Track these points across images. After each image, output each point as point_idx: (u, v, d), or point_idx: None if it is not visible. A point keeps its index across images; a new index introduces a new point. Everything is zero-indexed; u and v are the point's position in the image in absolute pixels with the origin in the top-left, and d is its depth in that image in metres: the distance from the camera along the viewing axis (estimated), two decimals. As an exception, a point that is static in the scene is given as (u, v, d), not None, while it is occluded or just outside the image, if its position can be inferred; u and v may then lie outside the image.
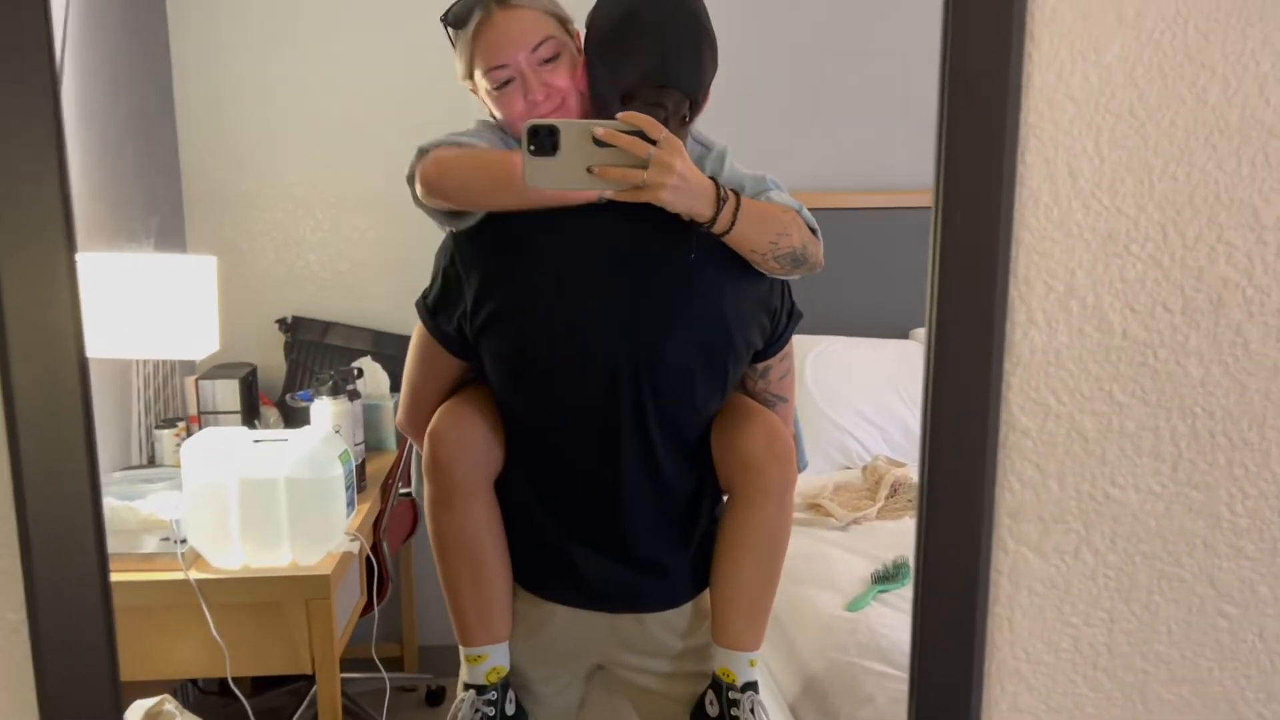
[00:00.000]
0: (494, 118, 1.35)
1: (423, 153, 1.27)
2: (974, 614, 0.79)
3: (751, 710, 1.33)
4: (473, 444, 1.33)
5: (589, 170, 1.14)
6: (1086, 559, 0.79)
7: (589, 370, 1.29)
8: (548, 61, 1.29)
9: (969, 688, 0.79)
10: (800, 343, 2.43)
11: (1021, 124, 0.72)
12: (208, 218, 2.57)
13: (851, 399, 2.51)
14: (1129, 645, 0.80)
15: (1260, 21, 0.69)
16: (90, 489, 0.71)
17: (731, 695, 1.33)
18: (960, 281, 0.73)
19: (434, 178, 1.25)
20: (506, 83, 1.29)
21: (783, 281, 1.34)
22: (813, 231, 1.31)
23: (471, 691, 1.35)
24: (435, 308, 1.33)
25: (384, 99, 2.57)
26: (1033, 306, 0.75)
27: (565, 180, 1.15)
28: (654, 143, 1.13)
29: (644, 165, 1.13)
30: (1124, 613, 0.79)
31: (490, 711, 1.35)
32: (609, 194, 1.19)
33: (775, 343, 1.37)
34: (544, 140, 1.12)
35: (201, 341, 2.10)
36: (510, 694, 1.38)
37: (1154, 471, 0.77)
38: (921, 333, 2.76)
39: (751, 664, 1.34)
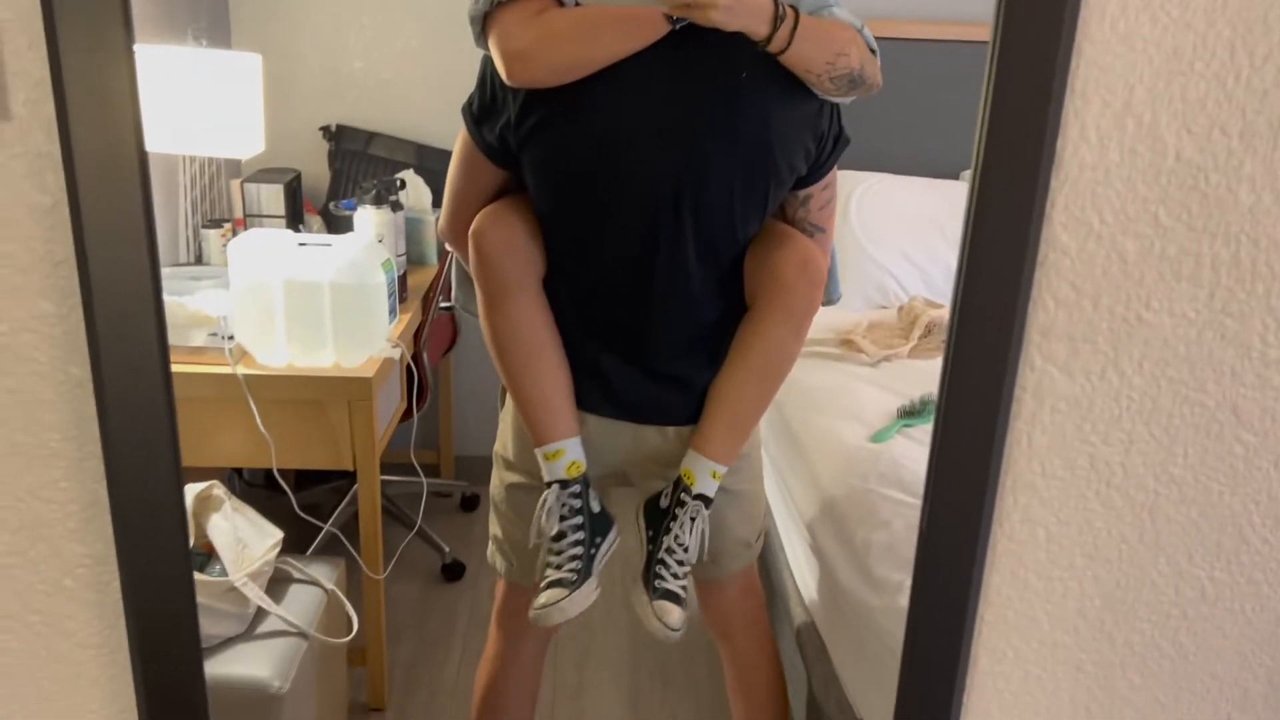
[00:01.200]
0: None
1: (486, 2, 1.25)
2: (994, 427, 0.81)
3: (691, 519, 1.37)
4: (516, 242, 1.35)
5: None
6: (1112, 380, 0.80)
7: (630, 182, 1.30)
8: None
9: (983, 497, 0.82)
10: (847, 178, 2.40)
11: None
12: (254, 15, 2.53)
13: (894, 237, 2.49)
14: (1144, 466, 0.82)
15: None
16: (151, 273, 0.74)
17: (682, 497, 1.38)
18: (1015, 92, 0.72)
19: (520, 72, 1.23)
20: None
21: (833, 104, 1.31)
22: (872, 51, 1.28)
23: (555, 486, 1.40)
24: (480, 116, 1.33)
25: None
26: (1086, 122, 0.74)
27: None
28: None
29: None
30: (1143, 434, 0.81)
31: (577, 504, 1.40)
32: (668, 9, 1.17)
33: (819, 168, 1.36)
34: None
35: (247, 141, 2.10)
36: (593, 492, 1.43)
37: (1190, 297, 0.77)
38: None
39: (714, 476, 1.37)
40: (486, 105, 1.32)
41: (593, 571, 1.41)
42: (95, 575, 0.82)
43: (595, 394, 1.42)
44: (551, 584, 1.38)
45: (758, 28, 1.18)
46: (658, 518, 1.42)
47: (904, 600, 0.87)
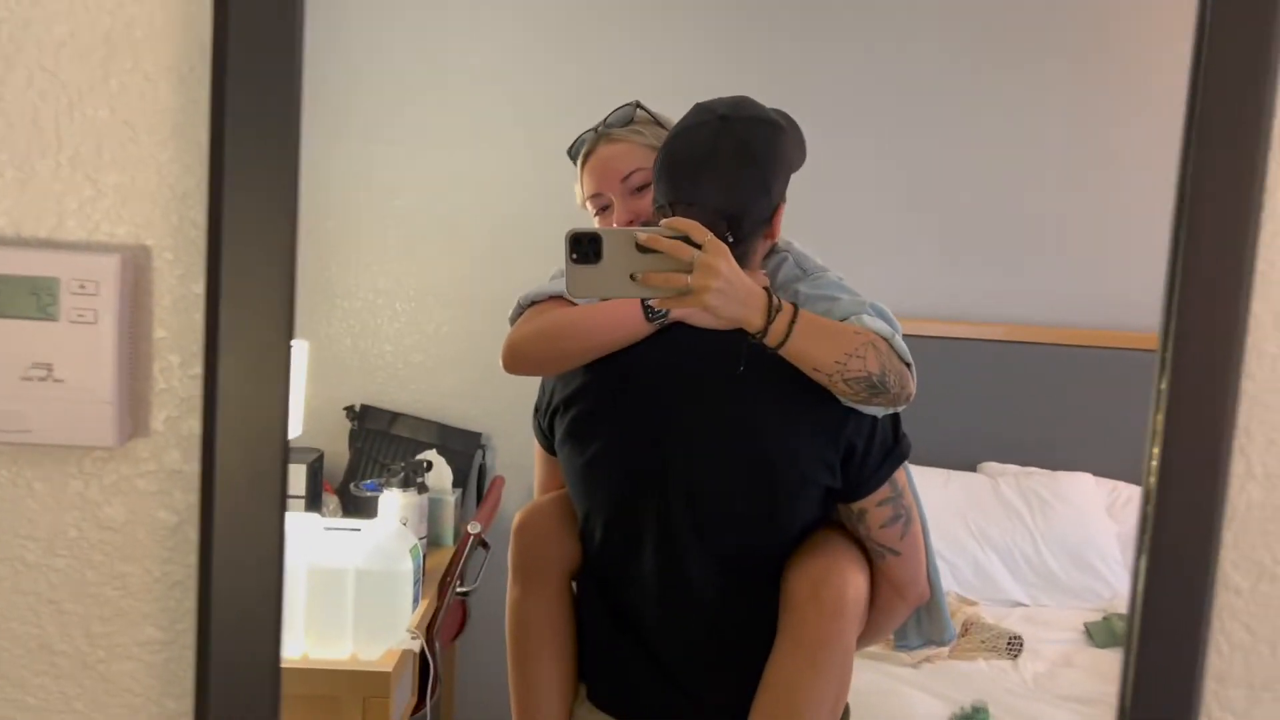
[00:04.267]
0: None
1: (517, 307, 1.34)
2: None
3: None
4: (549, 535, 1.34)
5: (632, 277, 1.12)
6: (1297, 733, 0.74)
7: (634, 480, 1.29)
8: (639, 190, 1.37)
9: None
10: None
11: (1254, 274, 0.70)
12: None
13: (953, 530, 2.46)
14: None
15: None
16: (276, 597, 0.69)
17: None
18: (1184, 429, 0.71)
19: (509, 362, 1.31)
20: (604, 209, 1.39)
21: (869, 416, 1.25)
22: (906, 364, 1.23)
23: None
24: (536, 406, 1.39)
25: (472, 195, 2.61)
26: (1252, 459, 0.73)
27: (608, 288, 1.14)
28: (699, 247, 1.11)
29: (688, 271, 1.11)
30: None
31: None
32: (653, 302, 1.19)
33: (860, 483, 1.27)
34: (586, 248, 1.11)
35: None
36: None
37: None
38: (990, 465, 2.71)
39: None
40: (538, 400, 1.39)
41: None
42: None
43: (620, 697, 1.34)
44: None
45: (751, 317, 1.14)
46: None
47: None
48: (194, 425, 0.68)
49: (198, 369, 0.68)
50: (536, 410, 1.39)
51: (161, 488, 0.69)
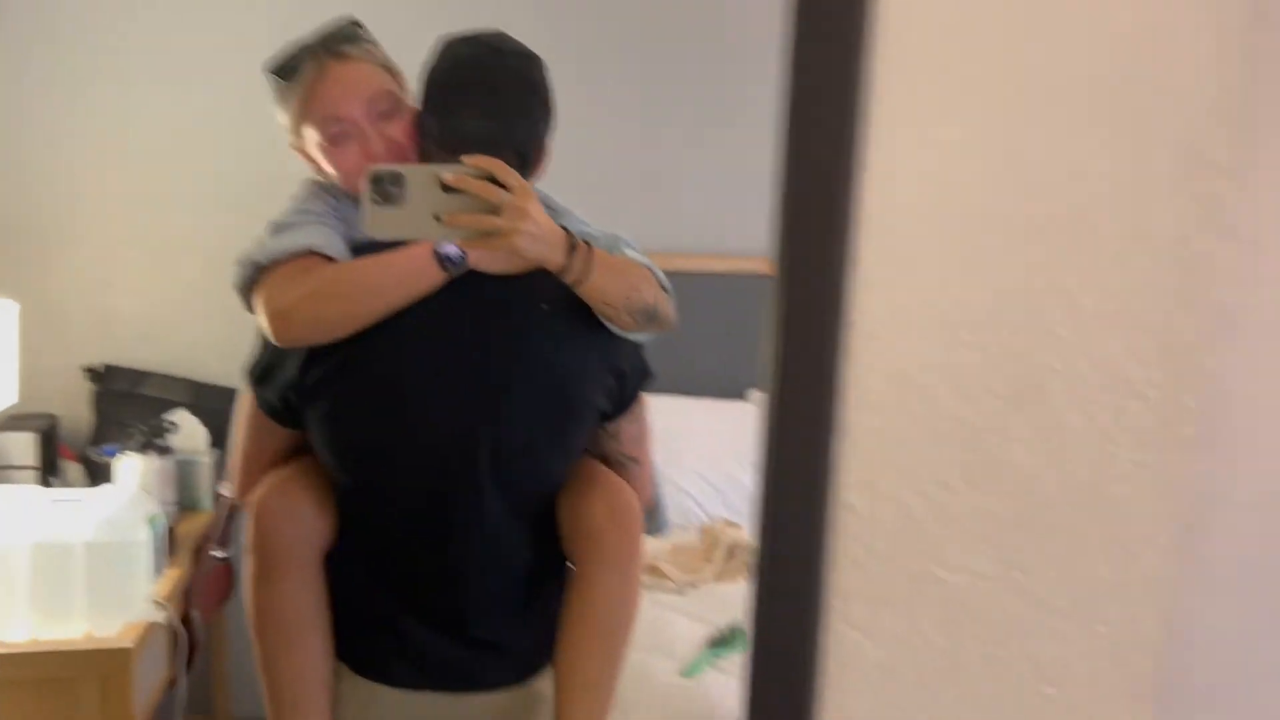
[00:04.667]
0: (321, 177, 1.31)
1: (250, 269, 1.21)
2: (808, 696, 0.77)
3: None
4: (298, 515, 1.26)
5: (436, 218, 1.09)
6: (915, 641, 0.79)
7: (420, 433, 1.25)
8: (385, 116, 1.26)
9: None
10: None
11: (858, 206, 0.72)
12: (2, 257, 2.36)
13: (690, 460, 2.51)
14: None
15: (1091, 127, 0.72)
16: None
17: None
18: (795, 362, 0.73)
19: (283, 332, 1.18)
20: (342, 137, 1.25)
21: (631, 341, 1.32)
22: (664, 290, 1.30)
23: None
24: (261, 377, 1.26)
25: (212, 137, 2.45)
26: (867, 388, 0.75)
27: (411, 229, 1.11)
28: (505, 188, 1.10)
29: (495, 211, 1.09)
30: (950, 695, 0.79)
31: None
32: (455, 244, 1.15)
33: (625, 403, 1.35)
34: (387, 187, 1.07)
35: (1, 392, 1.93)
36: None
37: (980, 554, 0.78)
38: (757, 395, 2.80)
39: None
40: (267, 365, 1.25)
41: None
42: None
43: (395, 663, 1.30)
44: None
45: (556, 257, 1.16)
46: None
47: None
48: None
49: None
50: (262, 376, 1.27)
51: None
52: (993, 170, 0.72)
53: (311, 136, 1.27)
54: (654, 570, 2.22)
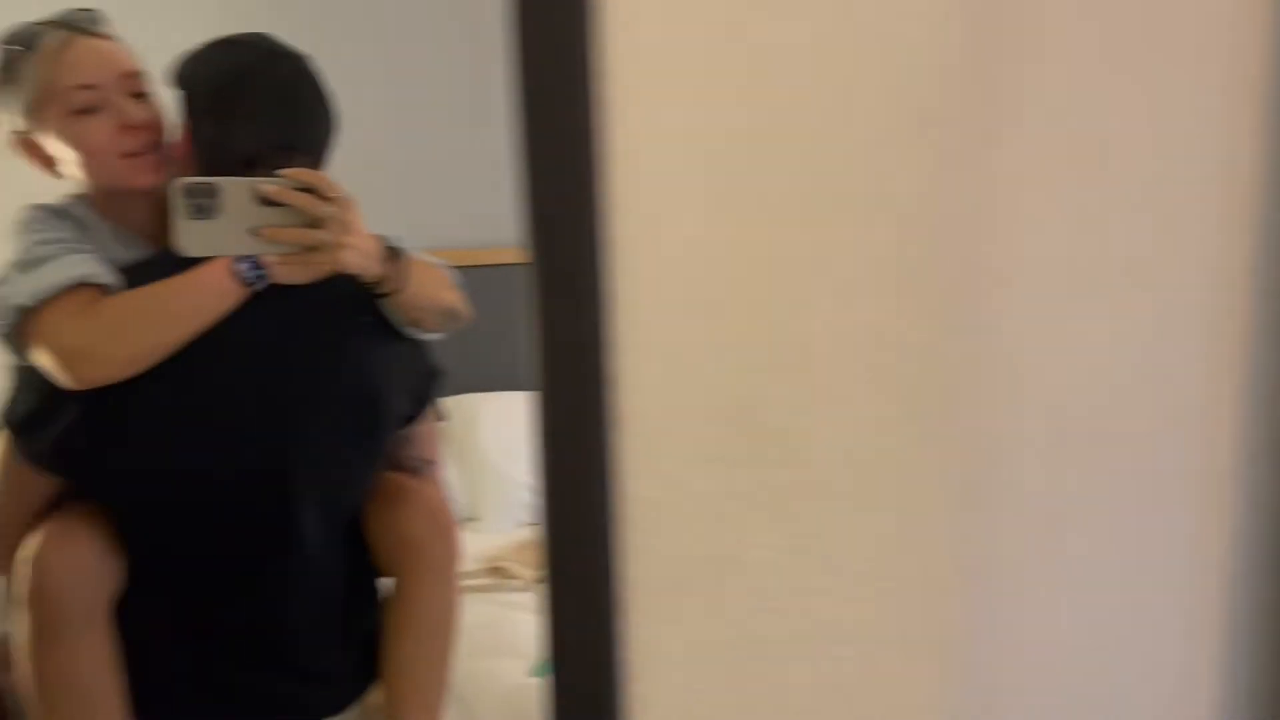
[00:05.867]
0: (51, 176, 1.21)
1: (14, 314, 1.09)
2: (612, 693, 0.76)
3: None
4: (86, 567, 1.15)
5: (253, 233, 1.05)
6: (715, 622, 0.78)
7: (230, 458, 1.17)
8: (138, 97, 1.18)
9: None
10: (472, 401, 2.37)
11: (606, 187, 0.70)
12: None
13: (527, 453, 2.47)
14: (770, 700, 0.80)
15: (828, 91, 0.71)
16: None
17: None
18: (561, 355, 0.71)
19: (82, 373, 1.08)
20: (91, 110, 1.15)
21: (427, 345, 1.30)
22: (457, 287, 1.30)
23: None
24: (31, 424, 1.15)
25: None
26: (638, 374, 0.74)
27: (226, 245, 1.06)
28: (327, 200, 1.08)
29: (316, 225, 1.06)
30: (753, 670, 0.79)
31: None
32: (272, 258, 1.09)
33: (424, 405, 1.33)
34: (199, 200, 1.03)
35: None
36: None
37: (770, 527, 0.77)
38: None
39: None
40: (37, 411, 1.14)
41: None
42: None
43: (208, 711, 1.23)
44: None
45: (374, 267, 1.14)
46: None
47: None
48: None
49: None
50: (31, 424, 1.14)
51: None
52: (737, 143, 0.71)
53: (53, 115, 1.15)
54: (499, 570, 2.18)
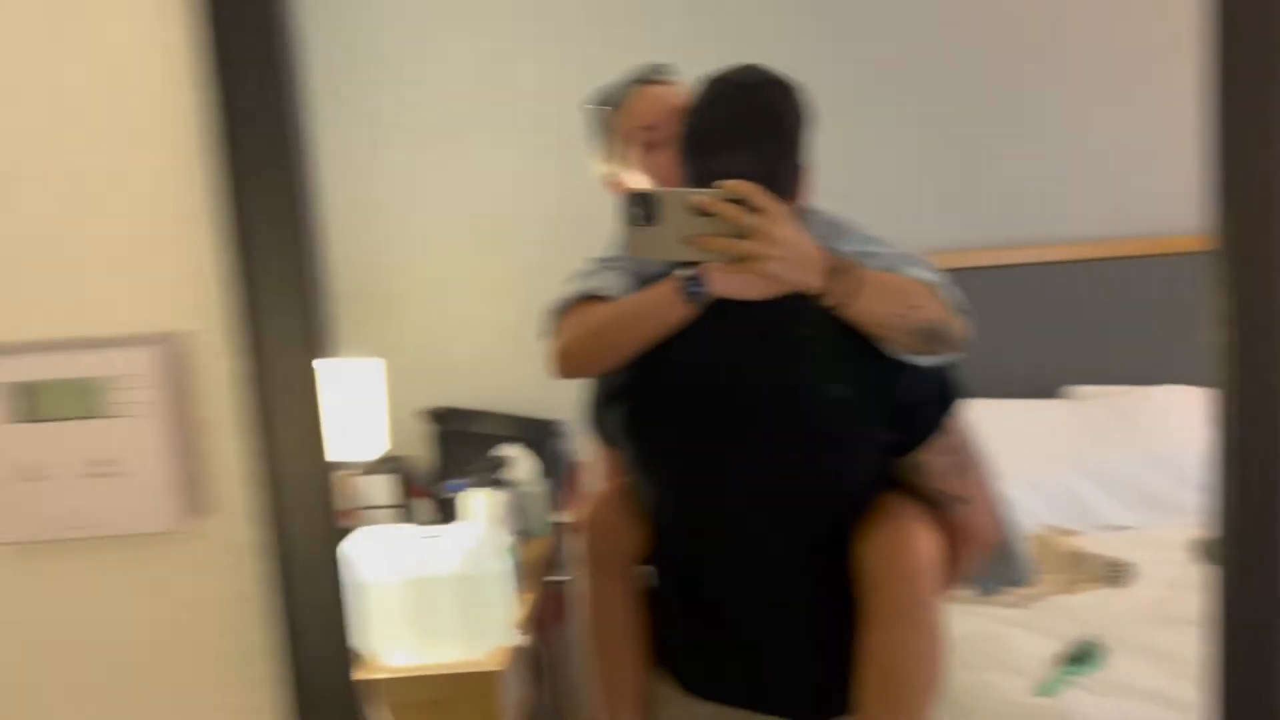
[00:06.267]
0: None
1: (548, 316, 1.32)
2: None
3: None
4: (616, 526, 1.35)
5: (687, 241, 1.11)
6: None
7: (699, 464, 1.29)
8: None
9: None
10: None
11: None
12: (351, 317, 2.62)
13: (1009, 465, 2.39)
14: None
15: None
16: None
17: None
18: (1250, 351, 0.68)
19: (559, 370, 1.29)
20: (653, 146, 1.33)
21: (917, 369, 1.24)
22: (956, 308, 1.23)
23: None
24: (589, 402, 1.38)
25: (517, 188, 2.62)
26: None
27: (663, 250, 1.13)
28: (757, 211, 1.10)
29: (744, 236, 1.10)
30: None
31: None
32: (710, 267, 1.15)
33: (918, 433, 1.27)
34: (640, 209, 1.11)
35: (372, 443, 2.15)
36: None
37: None
38: (1071, 389, 2.63)
39: None
40: (592, 393, 1.38)
41: None
42: None
43: (708, 680, 1.36)
44: None
45: (811, 280, 1.14)
46: None
47: None
48: (249, 499, 0.70)
49: (245, 443, 0.70)
50: (591, 406, 1.40)
51: (227, 561, 0.71)
52: None
53: (628, 155, 1.36)
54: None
